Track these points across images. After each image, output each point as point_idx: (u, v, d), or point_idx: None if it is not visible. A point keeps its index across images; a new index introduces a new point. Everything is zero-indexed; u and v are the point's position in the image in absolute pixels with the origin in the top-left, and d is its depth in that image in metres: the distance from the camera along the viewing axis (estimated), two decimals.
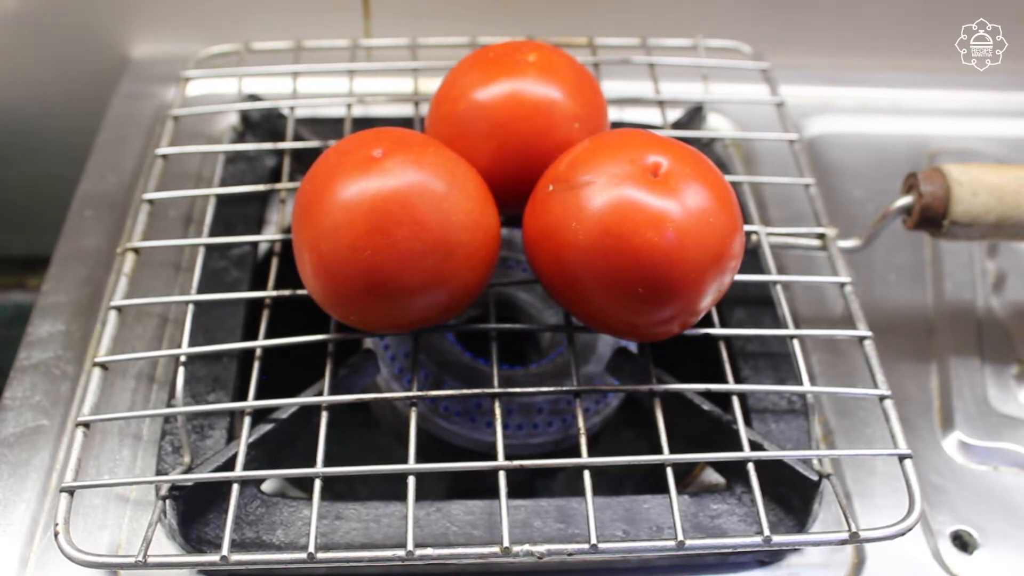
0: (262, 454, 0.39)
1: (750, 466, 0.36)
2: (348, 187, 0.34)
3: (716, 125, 0.59)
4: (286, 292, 0.41)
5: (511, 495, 0.35)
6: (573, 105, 0.39)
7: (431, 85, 0.45)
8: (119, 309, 0.40)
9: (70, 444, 0.37)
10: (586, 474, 0.35)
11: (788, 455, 0.38)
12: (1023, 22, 0.56)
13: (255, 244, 0.49)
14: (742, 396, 0.43)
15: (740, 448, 0.37)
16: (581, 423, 0.37)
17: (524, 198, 0.39)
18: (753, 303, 0.48)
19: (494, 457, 0.36)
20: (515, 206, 0.40)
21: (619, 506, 0.39)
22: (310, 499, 0.35)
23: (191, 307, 0.41)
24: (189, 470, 0.38)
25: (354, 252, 0.34)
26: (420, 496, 0.36)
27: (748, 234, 0.45)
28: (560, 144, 0.38)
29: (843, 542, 0.35)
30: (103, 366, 0.39)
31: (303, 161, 0.49)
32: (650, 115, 0.57)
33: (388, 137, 0.36)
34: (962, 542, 0.41)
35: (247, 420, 0.38)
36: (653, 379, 0.40)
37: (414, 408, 0.38)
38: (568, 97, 0.39)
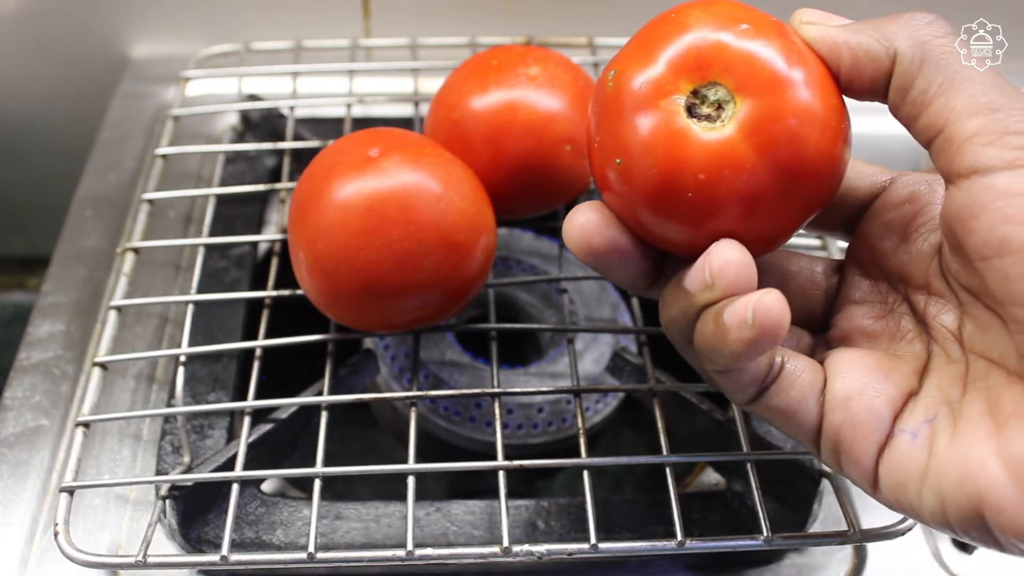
0: (262, 454, 0.39)
1: (750, 466, 0.36)
2: (344, 186, 0.34)
3: None
4: (286, 292, 0.41)
5: (511, 495, 0.35)
6: (569, 126, 0.38)
7: (431, 85, 0.45)
8: (119, 309, 0.41)
9: (70, 444, 0.37)
10: (586, 474, 0.35)
11: (788, 455, 0.38)
12: (1023, 22, 0.56)
13: (255, 244, 0.49)
14: None
15: (740, 448, 0.37)
16: (581, 423, 0.37)
17: (519, 205, 0.39)
18: None
19: (494, 457, 0.36)
20: (511, 212, 0.40)
21: (619, 506, 0.39)
22: (310, 499, 0.35)
23: (191, 307, 0.41)
24: (189, 470, 0.38)
25: (349, 251, 0.34)
26: (420, 496, 0.36)
27: None
28: (554, 161, 0.38)
29: (843, 542, 0.35)
30: (103, 366, 0.39)
31: (303, 161, 0.49)
32: None
33: (385, 137, 0.36)
34: (962, 542, 0.41)
35: (247, 420, 0.38)
36: (653, 379, 0.40)
37: (414, 408, 0.38)
38: (565, 117, 0.38)
